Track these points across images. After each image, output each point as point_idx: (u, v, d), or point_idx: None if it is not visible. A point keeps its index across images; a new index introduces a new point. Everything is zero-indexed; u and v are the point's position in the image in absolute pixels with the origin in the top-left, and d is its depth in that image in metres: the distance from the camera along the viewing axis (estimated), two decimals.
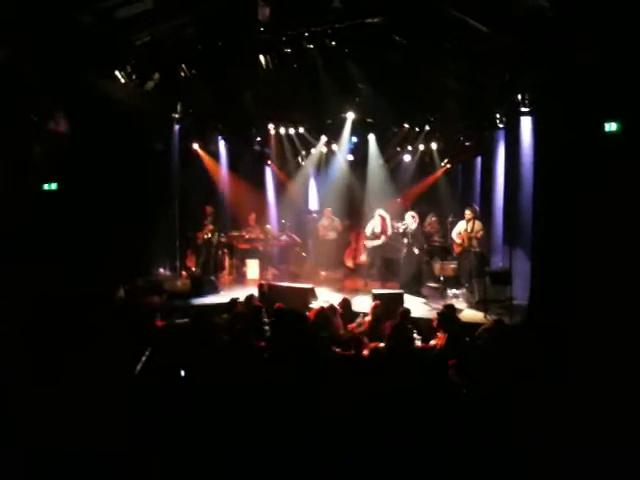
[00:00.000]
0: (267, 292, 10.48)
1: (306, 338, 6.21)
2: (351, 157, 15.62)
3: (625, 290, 8.15)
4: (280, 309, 7.95)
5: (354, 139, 15.00)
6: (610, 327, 7.25)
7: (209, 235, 13.66)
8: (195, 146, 14.40)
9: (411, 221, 12.40)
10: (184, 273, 13.46)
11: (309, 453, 3.90)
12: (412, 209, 13.20)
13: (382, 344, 6.72)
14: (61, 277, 9.64)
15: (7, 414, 4.67)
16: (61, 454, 4.14)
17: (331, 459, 3.88)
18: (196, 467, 4.04)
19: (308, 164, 16.07)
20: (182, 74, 10.83)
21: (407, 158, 15.25)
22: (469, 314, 10.11)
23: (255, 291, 10.31)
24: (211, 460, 4.04)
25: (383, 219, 13.03)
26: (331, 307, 8.45)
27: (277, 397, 4.51)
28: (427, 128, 13.79)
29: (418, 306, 10.54)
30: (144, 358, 5.67)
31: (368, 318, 8.30)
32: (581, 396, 4.70)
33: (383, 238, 13.00)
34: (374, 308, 8.42)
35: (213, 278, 12.80)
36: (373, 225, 13.10)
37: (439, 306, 9.65)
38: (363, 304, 10.22)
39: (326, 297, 10.49)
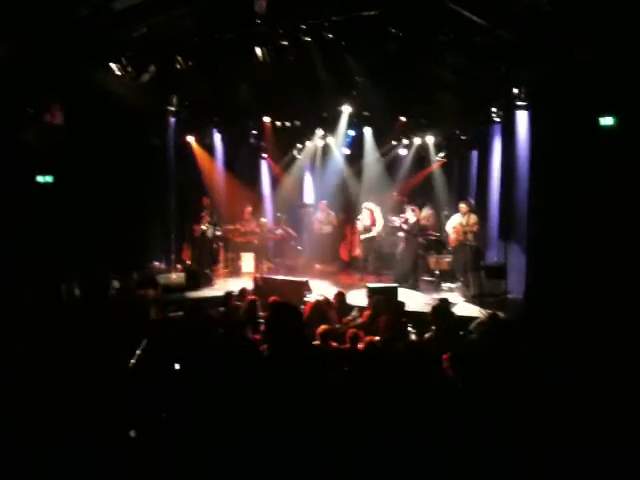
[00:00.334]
0: (262, 285, 10.49)
1: (301, 331, 6.20)
2: (347, 151, 15.60)
3: (622, 284, 8.18)
4: (275, 302, 7.95)
5: (352, 133, 14.99)
6: (607, 321, 7.27)
7: (206, 226, 13.63)
8: (189, 139, 14.35)
9: (411, 215, 12.40)
10: (179, 266, 13.44)
11: (307, 448, 3.89)
12: (410, 203, 13.22)
13: (377, 337, 6.72)
14: (57, 270, 9.63)
15: (6, 412, 4.66)
16: (58, 450, 4.13)
17: (330, 454, 3.87)
18: (192, 463, 4.03)
19: (304, 157, 16.04)
20: (178, 66, 10.79)
21: (403, 152, 15.23)
22: (464, 308, 10.13)
23: (250, 284, 10.31)
24: (207, 456, 4.03)
25: (371, 212, 13.09)
26: (326, 300, 8.45)
27: (274, 391, 4.50)
28: (423, 122, 13.77)
29: (413, 300, 10.56)
30: (139, 351, 5.66)
31: (367, 312, 8.25)
32: (578, 391, 4.71)
33: (374, 230, 13.05)
34: (375, 302, 8.39)
35: (208, 271, 12.80)
36: (362, 219, 13.17)
37: (434, 300, 9.67)
38: (358, 298, 10.24)
39: (321, 290, 10.50)
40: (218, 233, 14.16)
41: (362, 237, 13.31)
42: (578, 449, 4.01)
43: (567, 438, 4.12)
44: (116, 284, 10.13)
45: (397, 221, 12.79)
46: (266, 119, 14.77)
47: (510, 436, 4.19)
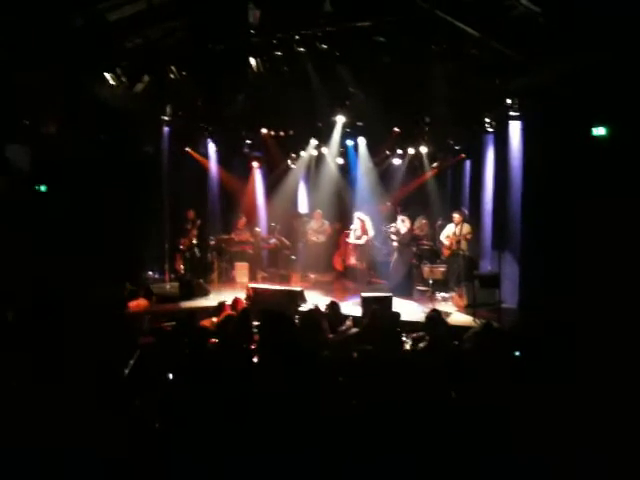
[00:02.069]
0: (256, 295, 10.47)
1: (293, 341, 6.19)
2: (341, 160, 15.63)
3: (617, 293, 8.22)
4: (266, 311, 7.93)
5: (350, 142, 15.03)
6: (602, 328, 7.31)
7: (195, 241, 13.60)
8: (188, 149, 14.42)
9: (402, 225, 12.43)
10: (173, 276, 13.40)
11: (302, 457, 3.88)
12: (402, 212, 13.24)
13: (369, 347, 6.70)
14: (51, 280, 9.60)
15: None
16: (53, 461, 4.11)
17: (325, 463, 3.86)
18: (187, 473, 4.02)
19: (298, 167, 16.06)
20: (172, 76, 10.81)
21: (397, 161, 15.27)
22: (458, 317, 10.13)
23: (244, 294, 10.29)
24: (201, 466, 4.01)
25: (362, 222, 13.15)
26: (319, 310, 8.43)
27: (268, 399, 4.49)
28: (417, 131, 13.81)
29: (407, 309, 10.55)
30: (132, 362, 5.64)
31: (365, 321, 8.20)
32: (574, 399, 4.72)
33: (365, 238, 13.11)
34: (373, 312, 8.35)
35: (202, 281, 12.77)
36: (354, 228, 13.22)
37: (428, 309, 9.67)
38: (352, 307, 10.22)
39: (315, 300, 10.48)
40: (212, 242, 14.18)
41: (351, 242, 13.34)
42: (576, 455, 4.02)
43: (565, 444, 4.13)
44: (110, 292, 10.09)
45: (389, 231, 12.82)
46: (260, 129, 14.80)
47: (507, 444, 4.19)
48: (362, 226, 13.13)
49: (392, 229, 12.69)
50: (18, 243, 9.61)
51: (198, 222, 13.71)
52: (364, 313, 9.51)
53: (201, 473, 3.98)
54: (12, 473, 3.99)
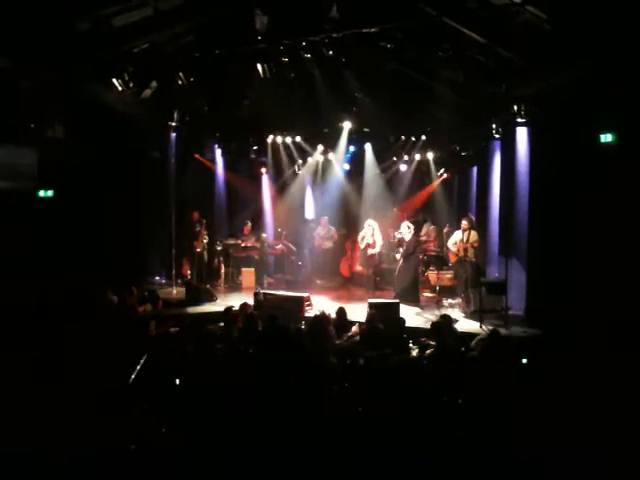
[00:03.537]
0: (263, 300, 10.46)
1: (298, 349, 6.21)
2: (347, 166, 15.63)
3: (622, 299, 8.20)
4: (272, 317, 7.94)
5: (352, 148, 15.02)
6: (607, 335, 7.29)
7: (206, 240, 13.65)
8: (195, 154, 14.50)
9: (406, 231, 12.40)
10: (179, 281, 13.41)
11: (307, 458, 3.88)
12: (409, 219, 13.22)
13: (376, 353, 6.70)
14: (57, 285, 9.63)
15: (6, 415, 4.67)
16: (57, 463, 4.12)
17: (330, 462, 3.86)
18: (193, 476, 4.02)
19: (305, 173, 16.07)
20: (179, 82, 10.85)
21: (403, 168, 15.26)
22: (465, 324, 10.10)
23: (250, 299, 10.29)
24: (207, 469, 4.01)
25: (373, 228, 13.11)
26: (325, 316, 8.43)
27: (273, 404, 4.48)
28: (423, 138, 13.81)
29: (414, 316, 10.54)
30: (139, 366, 5.65)
31: (364, 326, 8.24)
32: (579, 406, 4.71)
33: (379, 246, 13.05)
34: (369, 316, 8.39)
35: (209, 286, 12.77)
36: (364, 235, 13.14)
37: (435, 316, 9.65)
38: (359, 313, 10.21)
39: (322, 306, 10.47)
40: (219, 248, 14.18)
41: (370, 252, 13.20)
42: (577, 454, 4.03)
43: (565, 443, 4.13)
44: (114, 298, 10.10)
45: (396, 236, 12.80)
46: (267, 135, 14.84)
47: (508, 444, 4.19)
48: (373, 233, 13.08)
49: (398, 236, 12.66)
50: (22, 246, 9.66)
51: (204, 221, 13.74)
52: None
53: (204, 474, 3.98)
54: (13, 473, 4.00)
